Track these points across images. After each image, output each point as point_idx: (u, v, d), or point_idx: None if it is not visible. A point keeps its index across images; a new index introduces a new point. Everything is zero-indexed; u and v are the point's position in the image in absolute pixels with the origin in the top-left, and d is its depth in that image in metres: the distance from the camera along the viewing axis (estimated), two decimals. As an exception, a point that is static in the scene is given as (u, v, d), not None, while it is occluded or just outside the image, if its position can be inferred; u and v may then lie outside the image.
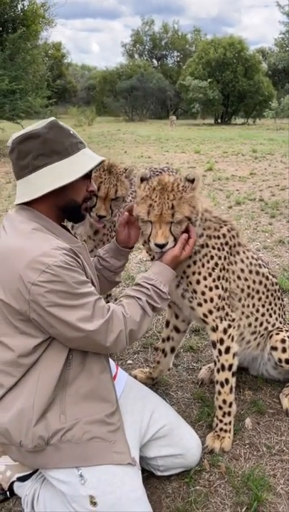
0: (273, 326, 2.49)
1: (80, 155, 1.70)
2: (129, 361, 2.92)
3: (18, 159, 1.64)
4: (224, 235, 2.16)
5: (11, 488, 1.90)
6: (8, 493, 1.90)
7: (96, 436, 1.64)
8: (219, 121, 38.45)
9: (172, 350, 2.57)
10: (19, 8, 17.19)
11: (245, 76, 36.18)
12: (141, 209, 1.93)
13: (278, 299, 2.53)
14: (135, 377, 2.55)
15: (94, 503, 1.57)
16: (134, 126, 30.29)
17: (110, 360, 1.90)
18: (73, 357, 1.66)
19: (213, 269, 2.10)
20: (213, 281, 2.10)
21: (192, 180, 1.94)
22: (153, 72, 44.86)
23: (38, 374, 1.61)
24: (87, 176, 1.76)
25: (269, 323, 2.46)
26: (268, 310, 2.44)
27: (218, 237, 2.14)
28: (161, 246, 1.90)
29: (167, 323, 2.52)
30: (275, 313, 2.49)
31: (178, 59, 53.02)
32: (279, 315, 2.53)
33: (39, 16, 17.54)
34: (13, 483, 1.89)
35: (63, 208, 1.72)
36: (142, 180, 1.99)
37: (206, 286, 2.09)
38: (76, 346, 1.64)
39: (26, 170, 1.63)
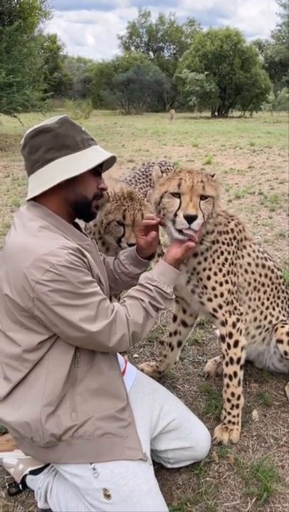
0: (277, 319, 2.51)
1: (91, 150, 1.70)
2: (135, 355, 2.94)
3: (30, 154, 1.65)
4: (232, 230, 2.18)
5: (23, 481, 1.91)
6: (20, 486, 1.92)
7: (107, 432, 1.65)
8: (216, 114, 38.32)
9: (179, 344, 2.58)
10: (15, 0, 17.00)
11: (242, 69, 36.00)
12: (170, 185, 1.90)
13: (282, 291, 2.55)
14: (142, 370, 2.57)
15: (108, 496, 1.59)
16: (131, 119, 30.17)
17: (119, 355, 1.92)
18: (81, 355, 1.67)
19: (223, 264, 2.12)
20: (223, 276, 2.12)
21: (212, 176, 1.99)
22: (149, 64, 44.53)
23: (46, 373, 1.62)
24: (98, 173, 1.76)
25: (273, 316, 2.48)
26: (271, 303, 2.46)
27: (227, 232, 2.15)
28: (191, 218, 1.82)
29: (175, 318, 2.54)
30: (278, 305, 2.51)
31: (174, 51, 52.72)
32: (282, 308, 2.55)
33: (35, 8, 17.35)
34: (25, 476, 1.91)
35: (73, 203, 1.72)
36: (162, 172, 2.02)
37: (216, 282, 2.11)
38: (79, 345, 1.64)
39: (37, 164, 1.64)
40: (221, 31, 37.04)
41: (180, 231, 1.87)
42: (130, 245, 2.24)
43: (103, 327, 1.59)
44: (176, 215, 1.87)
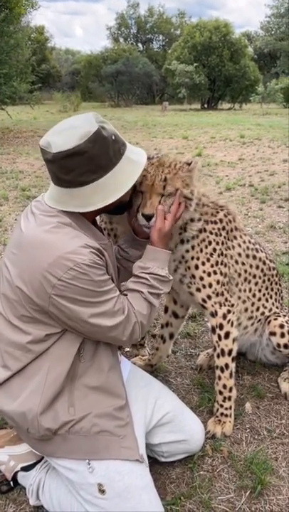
0: (270, 311, 2.49)
1: (125, 162, 1.62)
2: (127, 349, 2.92)
3: (61, 173, 1.54)
4: (221, 220, 2.15)
5: (14, 478, 1.88)
6: (11, 483, 1.89)
7: (104, 429, 1.63)
8: (206, 106, 38.24)
9: (171, 336, 2.56)
10: (1, -9, 16.71)
11: (231, 60, 35.94)
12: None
13: (275, 283, 2.53)
14: (134, 364, 2.54)
15: (102, 491, 1.57)
16: (120, 111, 30.00)
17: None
18: (84, 350, 1.65)
19: (211, 254, 2.10)
20: (212, 266, 2.10)
21: (189, 164, 1.92)
22: (138, 56, 44.23)
23: (49, 365, 1.59)
24: None
25: (266, 308, 2.47)
26: (264, 295, 2.44)
27: (215, 222, 2.13)
28: (148, 217, 1.87)
29: (166, 309, 2.51)
30: (271, 297, 2.49)
31: (163, 43, 52.39)
32: (276, 300, 2.53)
33: (22, -2, 17.08)
34: (16, 473, 1.88)
35: (108, 209, 1.69)
36: (148, 158, 1.93)
37: (204, 272, 2.09)
38: (93, 338, 1.65)
39: (70, 183, 1.55)
40: (210, 22, 36.89)
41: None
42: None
43: (120, 321, 1.62)
44: (138, 210, 1.92)
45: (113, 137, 1.58)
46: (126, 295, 1.78)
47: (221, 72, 36.05)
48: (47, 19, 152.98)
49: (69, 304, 1.51)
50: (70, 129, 1.53)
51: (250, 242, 2.33)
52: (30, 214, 1.65)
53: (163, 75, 40.28)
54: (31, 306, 1.55)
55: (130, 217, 2.02)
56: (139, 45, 52.69)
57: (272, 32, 45.95)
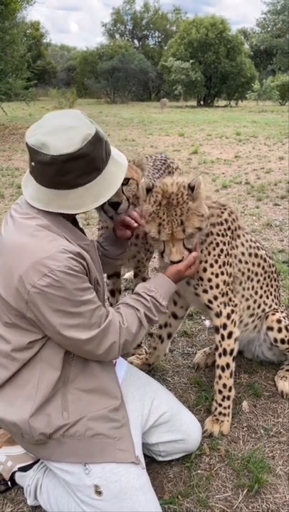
0: (270, 307, 2.50)
1: (112, 163, 1.62)
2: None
3: (56, 175, 1.49)
4: (226, 220, 2.16)
5: (12, 478, 1.88)
6: (9, 483, 1.89)
7: (99, 432, 1.62)
8: (202, 103, 38.17)
9: (169, 336, 2.56)
10: (-4, -14, 16.57)
11: (228, 57, 35.82)
12: (151, 228, 1.91)
13: (274, 280, 2.54)
14: (131, 363, 2.54)
15: (99, 493, 1.57)
16: (116, 108, 29.89)
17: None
18: (75, 355, 1.64)
19: (219, 255, 2.10)
20: (219, 267, 2.11)
21: (192, 188, 1.88)
22: (134, 52, 43.97)
23: (39, 376, 1.58)
24: None
25: (266, 304, 2.48)
26: (265, 292, 2.45)
27: (221, 223, 2.13)
28: (177, 262, 1.92)
29: (164, 310, 2.51)
30: (271, 294, 2.50)
31: (159, 39, 52.18)
32: (275, 296, 2.54)
33: (17, -7, 16.96)
34: (14, 473, 1.88)
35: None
36: (148, 191, 1.93)
37: (212, 273, 2.10)
38: (69, 350, 1.61)
39: (63, 186, 1.52)
40: (206, 19, 36.71)
41: None
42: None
43: (94, 335, 1.57)
44: (162, 255, 1.96)
45: (105, 138, 1.58)
46: (119, 308, 1.76)
47: (217, 69, 35.94)
48: (42, 14, 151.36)
49: (44, 312, 1.48)
50: (66, 129, 1.49)
51: (251, 240, 2.34)
52: (10, 218, 1.63)
53: (159, 71, 40.09)
54: (12, 311, 1.53)
55: (115, 220, 2.04)
56: (135, 41, 52.40)
57: (269, 29, 45.80)
